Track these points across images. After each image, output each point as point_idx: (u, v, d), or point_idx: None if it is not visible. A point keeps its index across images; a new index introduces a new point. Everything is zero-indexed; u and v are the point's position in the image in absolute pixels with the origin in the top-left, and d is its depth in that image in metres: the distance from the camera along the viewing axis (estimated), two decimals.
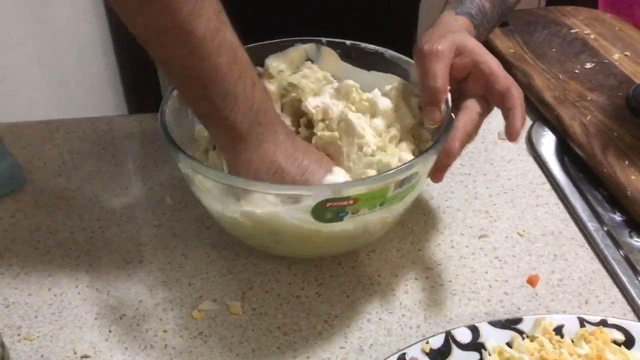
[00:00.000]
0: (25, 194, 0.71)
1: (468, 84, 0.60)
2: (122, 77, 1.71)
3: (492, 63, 0.59)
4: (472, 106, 0.59)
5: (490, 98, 0.59)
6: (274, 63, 0.64)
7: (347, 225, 0.53)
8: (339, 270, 0.62)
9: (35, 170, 0.74)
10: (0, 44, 1.07)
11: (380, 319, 0.57)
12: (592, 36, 0.97)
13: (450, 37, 0.59)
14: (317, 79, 0.64)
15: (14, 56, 1.11)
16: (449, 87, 0.58)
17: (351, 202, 0.51)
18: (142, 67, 1.86)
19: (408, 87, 0.64)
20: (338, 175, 0.56)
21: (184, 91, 0.55)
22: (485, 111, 0.60)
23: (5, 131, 0.79)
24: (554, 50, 0.93)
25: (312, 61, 0.67)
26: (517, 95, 0.58)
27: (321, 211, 0.51)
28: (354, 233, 0.56)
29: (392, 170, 0.52)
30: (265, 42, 0.65)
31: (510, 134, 0.57)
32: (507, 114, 0.58)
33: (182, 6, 0.48)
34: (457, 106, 0.59)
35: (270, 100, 0.57)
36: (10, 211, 0.68)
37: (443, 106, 0.57)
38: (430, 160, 0.56)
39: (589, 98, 0.83)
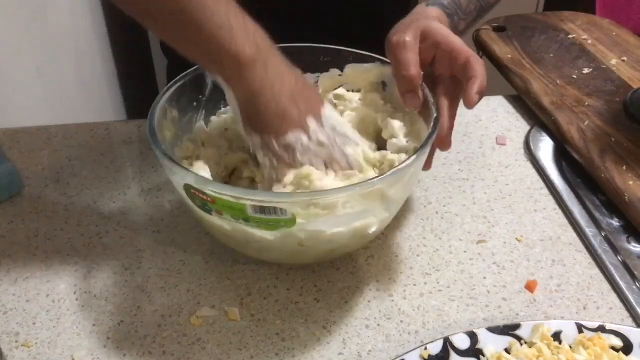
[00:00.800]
0: (23, 199, 0.71)
1: (435, 65, 0.63)
2: (120, 83, 1.71)
3: (452, 40, 0.61)
4: (444, 94, 0.62)
5: (456, 74, 0.62)
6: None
7: (298, 233, 0.53)
8: (337, 276, 0.62)
9: (33, 175, 0.74)
10: None
11: (378, 324, 0.57)
12: (589, 41, 0.97)
13: (414, 25, 0.62)
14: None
15: (12, 61, 1.11)
16: (422, 73, 0.60)
17: (209, 199, 0.52)
18: (141, 72, 1.87)
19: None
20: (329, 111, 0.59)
21: (179, 40, 0.55)
22: (459, 90, 0.62)
23: (3, 137, 0.79)
24: (551, 55, 0.94)
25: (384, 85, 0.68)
26: (477, 66, 0.59)
27: (190, 194, 0.53)
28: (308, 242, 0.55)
29: (246, 192, 0.52)
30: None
31: (466, 99, 0.59)
32: (466, 83, 0.60)
33: None
34: (432, 90, 0.62)
35: (257, 26, 0.57)
36: (8, 217, 0.68)
37: (420, 92, 0.60)
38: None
39: (586, 103, 0.83)
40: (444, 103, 0.61)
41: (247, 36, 0.54)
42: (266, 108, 0.55)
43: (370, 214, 0.55)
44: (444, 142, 0.60)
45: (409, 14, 0.68)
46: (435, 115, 0.59)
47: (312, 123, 0.56)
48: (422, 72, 0.60)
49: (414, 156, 0.54)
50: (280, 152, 0.56)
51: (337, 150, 0.58)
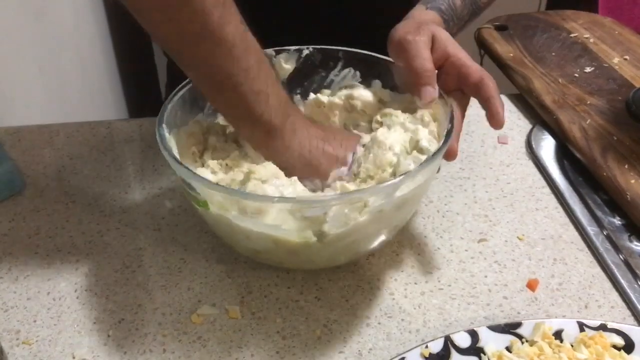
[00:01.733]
0: (24, 198, 0.71)
1: (442, 77, 0.62)
2: (122, 82, 1.71)
3: (462, 55, 0.61)
4: (454, 105, 0.61)
5: (466, 89, 0.62)
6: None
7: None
8: (338, 274, 0.62)
9: (34, 174, 0.74)
10: (1, 49, 1.07)
11: (379, 323, 0.57)
12: (591, 40, 0.97)
13: (426, 27, 0.62)
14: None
15: (14, 60, 1.11)
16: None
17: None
18: (143, 71, 1.87)
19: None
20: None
21: (217, 97, 0.57)
22: (467, 103, 0.64)
23: (4, 135, 0.79)
24: (553, 54, 0.93)
25: None
26: (491, 84, 0.60)
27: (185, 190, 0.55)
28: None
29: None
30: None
31: (496, 122, 0.59)
32: (486, 103, 0.60)
33: (212, 12, 0.49)
34: None
35: (283, 91, 0.59)
36: (9, 215, 0.68)
37: (435, 88, 0.61)
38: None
39: (588, 102, 0.83)
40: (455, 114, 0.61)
41: (279, 102, 0.56)
42: (298, 163, 0.58)
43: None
44: (451, 153, 0.60)
45: (408, 15, 0.68)
46: (451, 110, 0.59)
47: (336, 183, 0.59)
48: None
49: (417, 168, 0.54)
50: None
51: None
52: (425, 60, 0.60)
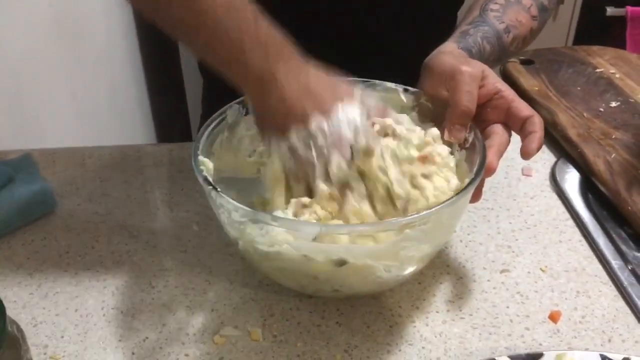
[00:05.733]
0: (56, 217, 0.73)
1: (488, 110, 0.63)
2: (152, 108, 1.75)
3: (511, 91, 0.63)
4: (502, 130, 0.62)
5: (511, 124, 0.63)
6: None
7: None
8: (360, 300, 0.62)
9: (66, 194, 0.76)
10: (37, 75, 1.11)
11: (400, 350, 0.58)
12: (617, 75, 0.97)
13: (477, 62, 0.63)
14: None
15: (48, 85, 1.15)
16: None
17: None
18: (172, 98, 1.90)
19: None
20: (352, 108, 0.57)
21: (208, 52, 0.58)
22: (510, 137, 0.63)
23: (39, 157, 0.81)
24: (578, 88, 0.94)
25: None
26: (539, 122, 0.61)
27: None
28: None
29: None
30: None
31: (525, 150, 0.60)
32: (526, 136, 0.61)
33: None
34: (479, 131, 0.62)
35: (283, 36, 0.57)
36: (41, 234, 0.70)
37: (467, 129, 0.61)
38: None
39: (613, 136, 0.83)
40: (498, 140, 0.61)
41: (259, 45, 0.55)
42: (279, 106, 0.56)
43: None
44: (478, 192, 0.60)
45: (443, 49, 0.68)
46: (483, 159, 0.59)
47: (316, 119, 0.55)
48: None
49: (455, 196, 0.54)
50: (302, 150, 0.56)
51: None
52: (472, 100, 0.60)
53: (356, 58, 0.82)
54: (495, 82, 0.62)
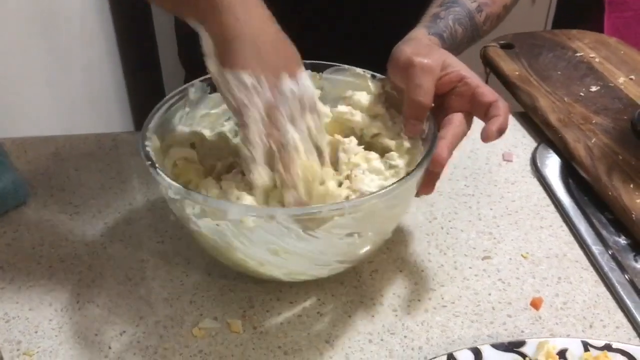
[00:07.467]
0: (29, 208, 0.71)
1: (452, 97, 0.61)
2: (129, 95, 1.72)
3: (476, 77, 0.60)
4: (459, 120, 0.60)
5: (475, 110, 0.60)
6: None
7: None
8: (341, 290, 0.62)
9: (39, 185, 0.74)
10: (9, 61, 1.08)
11: (382, 340, 0.57)
12: (597, 60, 0.97)
13: (437, 52, 0.61)
14: None
15: (21, 71, 1.12)
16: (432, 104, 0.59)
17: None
18: (149, 86, 1.88)
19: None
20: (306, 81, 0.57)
21: None
22: (469, 126, 0.61)
23: (11, 146, 0.79)
24: (559, 73, 0.94)
25: None
26: (502, 107, 0.58)
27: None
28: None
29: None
30: None
31: (484, 133, 0.57)
32: (489, 119, 0.58)
33: None
34: (439, 120, 0.60)
35: None
36: (13, 225, 0.69)
37: (423, 123, 0.59)
38: None
39: (593, 121, 0.83)
40: (453, 130, 0.59)
41: None
42: (242, 48, 0.53)
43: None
44: (437, 164, 0.57)
45: (410, 36, 0.66)
46: (429, 150, 0.57)
47: (285, 77, 0.55)
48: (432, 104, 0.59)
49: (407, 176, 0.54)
50: (247, 93, 0.53)
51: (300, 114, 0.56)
52: (426, 95, 0.58)
53: (339, 42, 0.81)
54: (459, 69, 0.60)
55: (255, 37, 0.54)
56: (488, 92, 0.59)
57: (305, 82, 0.56)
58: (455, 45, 0.69)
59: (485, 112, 0.59)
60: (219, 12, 0.53)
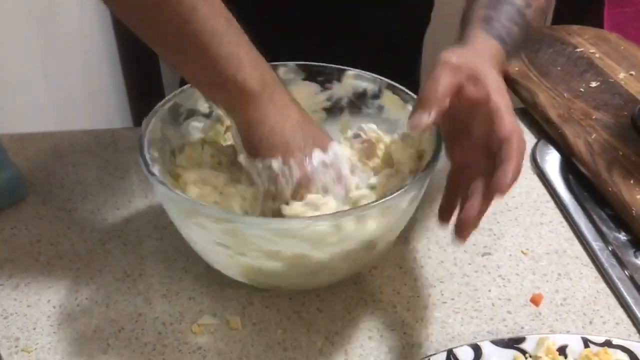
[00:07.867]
0: (27, 205, 0.71)
1: (474, 123, 0.54)
2: (127, 91, 1.72)
3: (502, 103, 0.52)
4: (480, 189, 0.51)
5: (491, 143, 0.51)
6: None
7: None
8: (341, 286, 0.61)
9: (37, 181, 0.74)
10: (7, 56, 1.07)
11: (381, 336, 0.57)
12: (597, 55, 0.97)
13: (473, 60, 0.54)
14: None
15: (20, 68, 1.12)
16: (447, 104, 0.52)
17: None
18: (148, 81, 1.87)
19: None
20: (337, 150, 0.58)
21: (184, 64, 0.56)
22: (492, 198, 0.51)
23: (8, 142, 0.79)
24: (559, 68, 0.93)
25: None
26: (515, 145, 0.50)
27: None
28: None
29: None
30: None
31: (494, 184, 0.49)
32: (499, 164, 0.49)
33: None
34: (454, 151, 0.57)
35: (267, 63, 0.56)
36: (11, 222, 0.68)
37: (432, 116, 0.51)
38: None
39: (593, 117, 0.82)
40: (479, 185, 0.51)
41: (255, 68, 0.54)
42: (270, 135, 0.55)
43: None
44: (463, 229, 0.50)
45: (465, 39, 0.59)
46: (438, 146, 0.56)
47: (317, 153, 0.56)
48: (447, 105, 0.52)
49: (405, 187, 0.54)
50: (282, 177, 0.55)
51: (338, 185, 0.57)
52: (438, 88, 0.51)
53: (330, 42, 0.81)
54: (488, 87, 0.52)
55: (281, 123, 0.55)
56: (506, 123, 0.51)
57: (336, 150, 0.57)
58: (516, 46, 0.64)
59: (498, 148, 0.50)
60: (246, 103, 0.54)
